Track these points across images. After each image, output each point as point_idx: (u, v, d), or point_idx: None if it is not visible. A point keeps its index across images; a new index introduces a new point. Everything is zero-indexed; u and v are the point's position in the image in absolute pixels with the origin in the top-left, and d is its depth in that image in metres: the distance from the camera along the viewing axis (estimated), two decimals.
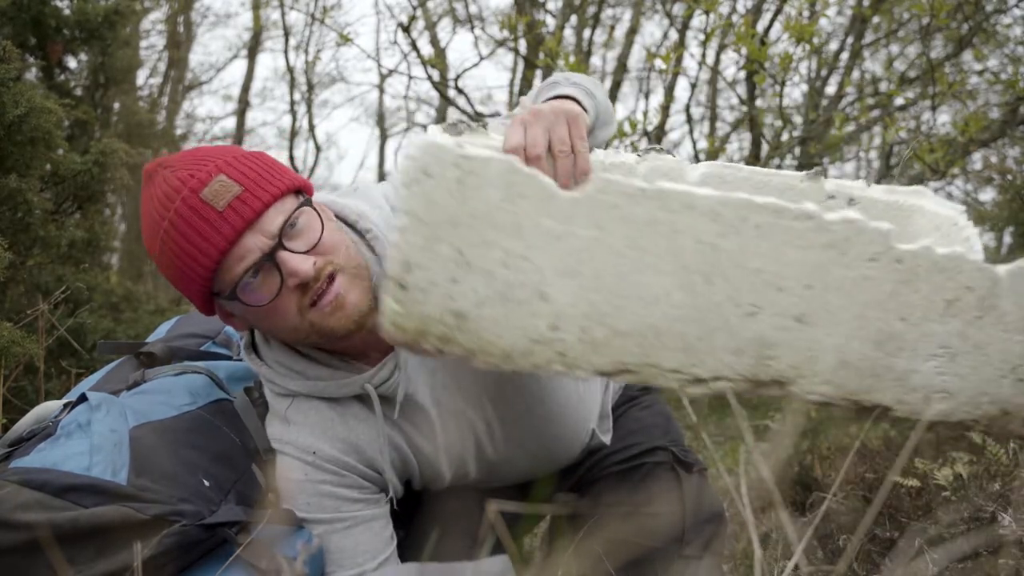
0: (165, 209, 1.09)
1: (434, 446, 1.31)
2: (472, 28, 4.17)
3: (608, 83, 5.61)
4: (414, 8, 4.21)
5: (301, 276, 1.09)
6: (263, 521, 1.21)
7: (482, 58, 4.25)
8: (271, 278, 1.11)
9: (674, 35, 4.88)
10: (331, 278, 1.13)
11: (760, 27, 3.97)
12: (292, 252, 1.10)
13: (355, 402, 1.25)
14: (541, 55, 3.62)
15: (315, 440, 1.23)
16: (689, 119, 4.25)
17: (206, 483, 1.21)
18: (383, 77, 8.98)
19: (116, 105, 3.41)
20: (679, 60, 3.65)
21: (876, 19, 4.52)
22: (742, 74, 3.56)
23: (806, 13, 3.74)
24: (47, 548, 1.04)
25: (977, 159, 4.67)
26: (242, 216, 1.08)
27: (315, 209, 1.15)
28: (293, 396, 1.25)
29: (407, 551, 1.36)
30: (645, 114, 3.19)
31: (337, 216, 1.23)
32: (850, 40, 4.72)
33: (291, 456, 1.24)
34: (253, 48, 8.65)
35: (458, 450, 1.33)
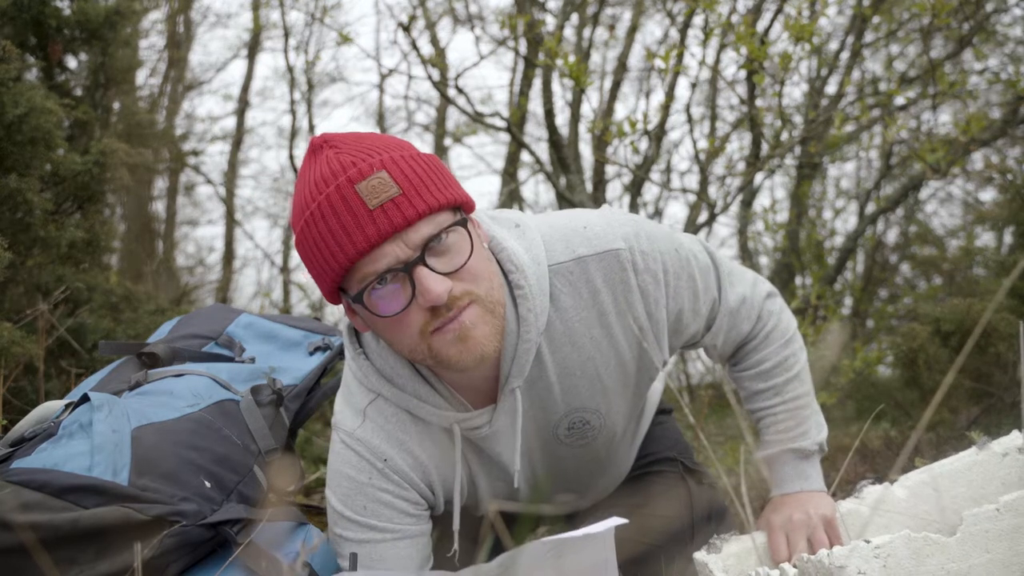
0: (318, 191, 1.03)
1: (492, 490, 1.32)
2: (472, 28, 4.17)
3: (608, 83, 5.61)
4: (414, 8, 4.21)
5: (432, 298, 1.01)
6: (264, 521, 1.21)
7: (482, 58, 4.25)
8: (402, 291, 1.04)
9: (674, 34, 4.88)
10: (464, 307, 1.06)
11: (760, 27, 3.97)
12: (431, 270, 1.02)
13: (439, 427, 1.23)
14: (541, 55, 3.62)
15: (389, 447, 1.20)
16: (689, 119, 4.24)
17: (207, 484, 1.21)
18: (383, 77, 8.95)
19: (116, 105, 3.41)
20: (679, 59, 3.64)
21: (876, 19, 4.52)
22: (742, 74, 3.56)
23: (806, 13, 3.74)
24: (47, 549, 1.04)
25: (977, 159, 4.67)
26: (391, 220, 1.00)
27: (468, 232, 1.07)
28: (379, 394, 1.22)
29: None
30: (645, 114, 3.19)
31: (495, 254, 1.16)
32: (850, 40, 4.73)
33: (358, 455, 1.21)
34: (253, 48, 8.64)
35: (508, 496, 1.34)
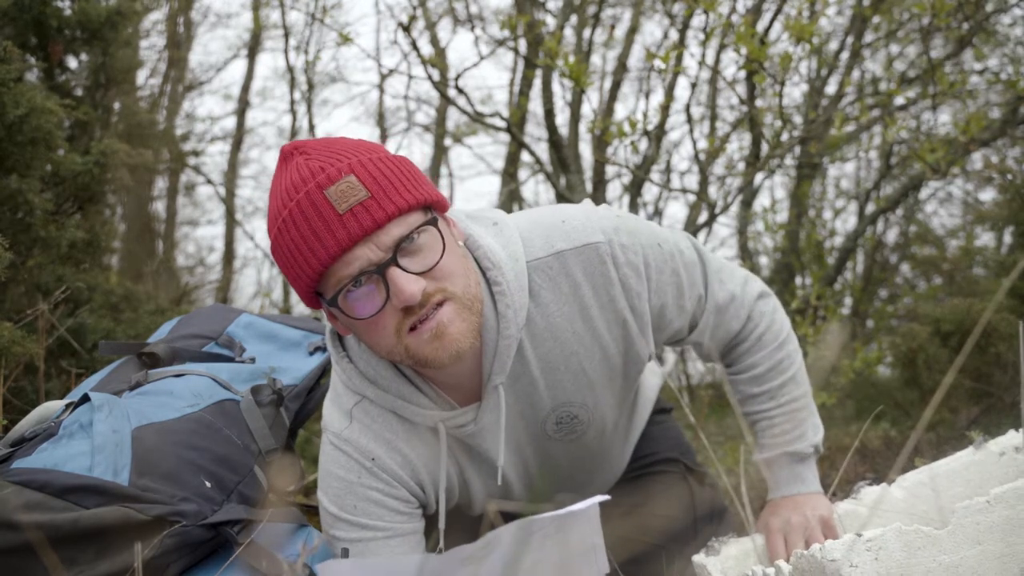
0: (289, 198, 1.05)
1: (486, 488, 1.32)
2: (472, 28, 4.17)
3: (608, 83, 5.61)
4: (414, 8, 4.22)
5: (405, 298, 1.02)
6: (264, 521, 1.21)
7: (482, 58, 4.25)
8: (377, 293, 1.05)
9: (674, 35, 4.89)
10: (439, 304, 1.06)
11: (760, 27, 3.97)
12: (403, 271, 1.03)
13: (425, 426, 1.24)
14: (541, 55, 3.62)
15: (376, 446, 1.21)
16: (689, 119, 4.24)
17: (208, 484, 1.21)
18: (383, 77, 8.95)
19: (116, 105, 3.41)
20: (679, 60, 3.64)
21: (876, 19, 4.52)
22: (742, 74, 3.56)
23: (806, 13, 3.74)
24: (48, 550, 1.04)
25: (977, 159, 4.67)
26: (361, 224, 1.01)
27: (440, 231, 1.07)
28: (364, 396, 1.23)
29: None
30: (645, 114, 3.19)
31: (471, 252, 1.16)
32: (850, 40, 4.73)
33: (346, 455, 1.21)
34: (253, 48, 8.64)
35: (502, 495, 1.34)
